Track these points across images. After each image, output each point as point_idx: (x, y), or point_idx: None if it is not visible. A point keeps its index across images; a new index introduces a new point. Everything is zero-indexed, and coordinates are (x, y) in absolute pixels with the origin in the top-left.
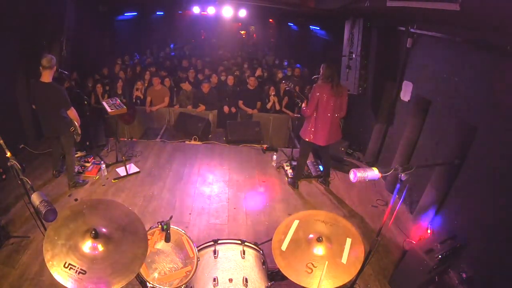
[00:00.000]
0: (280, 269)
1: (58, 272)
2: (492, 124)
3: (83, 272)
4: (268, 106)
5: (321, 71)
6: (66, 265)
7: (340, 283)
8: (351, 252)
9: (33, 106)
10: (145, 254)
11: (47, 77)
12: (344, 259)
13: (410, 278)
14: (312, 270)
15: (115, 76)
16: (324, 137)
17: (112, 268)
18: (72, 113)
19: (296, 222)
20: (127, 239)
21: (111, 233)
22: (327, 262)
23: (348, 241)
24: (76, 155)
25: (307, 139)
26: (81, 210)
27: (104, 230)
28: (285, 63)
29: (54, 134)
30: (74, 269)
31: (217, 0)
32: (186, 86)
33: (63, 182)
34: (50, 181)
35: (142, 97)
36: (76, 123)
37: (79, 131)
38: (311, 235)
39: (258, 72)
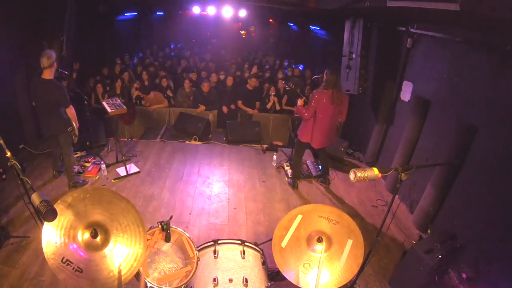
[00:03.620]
0: (278, 266)
1: (56, 266)
2: (492, 124)
3: (80, 271)
4: (268, 106)
5: (324, 77)
6: (64, 260)
7: (336, 286)
8: (350, 254)
9: (33, 103)
10: (143, 257)
11: (48, 74)
12: (342, 262)
13: (410, 278)
14: (308, 271)
15: (115, 76)
16: (320, 141)
17: (108, 270)
18: (71, 111)
19: (299, 217)
20: (127, 241)
21: (111, 233)
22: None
23: (349, 242)
24: (76, 155)
25: (304, 141)
26: (84, 198)
27: (103, 226)
28: (286, 63)
29: (51, 133)
30: (71, 266)
31: (217, 0)
32: (186, 85)
33: (63, 182)
34: (50, 181)
35: (141, 95)
36: (74, 123)
37: (77, 132)
38: (312, 234)
39: (254, 70)
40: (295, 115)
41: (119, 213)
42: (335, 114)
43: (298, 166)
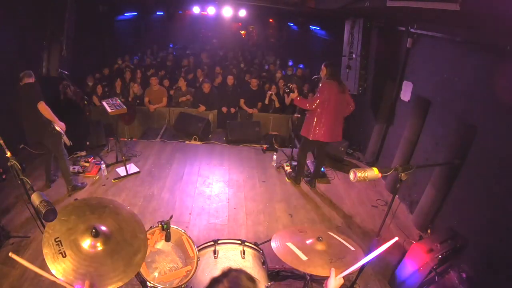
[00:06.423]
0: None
1: (50, 259)
2: (492, 124)
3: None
4: (266, 101)
5: (325, 71)
6: (57, 240)
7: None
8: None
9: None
10: (140, 264)
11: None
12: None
13: (410, 278)
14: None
15: (115, 76)
16: (327, 133)
17: (103, 270)
18: (42, 107)
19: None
20: (126, 245)
21: (112, 236)
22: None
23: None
24: (76, 155)
25: (310, 138)
26: (87, 204)
27: (105, 229)
28: (290, 63)
29: (35, 139)
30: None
31: (217, 0)
32: (181, 84)
33: (63, 183)
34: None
35: (139, 93)
36: (55, 123)
37: (63, 132)
38: (310, 240)
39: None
40: (295, 115)
41: (122, 220)
42: (343, 103)
43: (303, 166)
